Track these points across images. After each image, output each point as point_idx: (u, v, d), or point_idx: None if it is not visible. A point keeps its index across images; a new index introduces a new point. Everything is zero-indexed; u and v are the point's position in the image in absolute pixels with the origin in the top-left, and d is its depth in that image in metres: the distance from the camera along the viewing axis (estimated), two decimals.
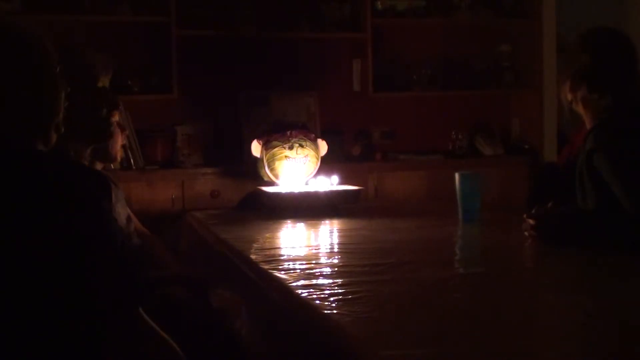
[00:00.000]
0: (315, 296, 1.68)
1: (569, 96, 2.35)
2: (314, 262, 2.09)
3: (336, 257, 2.24)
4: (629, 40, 2.35)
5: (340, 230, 2.74)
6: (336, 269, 2.00)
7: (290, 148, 3.27)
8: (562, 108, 2.45)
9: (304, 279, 1.85)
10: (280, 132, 3.31)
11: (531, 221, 2.22)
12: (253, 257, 2.19)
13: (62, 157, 1.49)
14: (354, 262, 2.07)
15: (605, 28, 2.36)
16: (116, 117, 2.75)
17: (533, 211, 2.24)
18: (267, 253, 2.25)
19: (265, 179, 3.32)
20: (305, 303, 1.66)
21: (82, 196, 1.43)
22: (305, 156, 3.28)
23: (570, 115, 2.39)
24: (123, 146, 3.06)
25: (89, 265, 1.41)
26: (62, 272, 1.39)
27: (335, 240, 2.62)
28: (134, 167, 4.07)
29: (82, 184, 1.45)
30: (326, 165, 3.41)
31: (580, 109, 2.35)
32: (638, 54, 2.33)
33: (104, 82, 2.35)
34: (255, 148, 3.33)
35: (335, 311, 1.56)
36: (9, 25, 1.54)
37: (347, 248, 2.34)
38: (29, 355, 1.40)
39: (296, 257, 2.20)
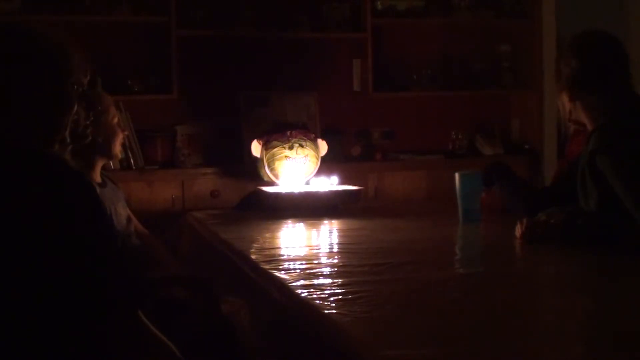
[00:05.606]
0: (315, 296, 1.68)
1: (568, 105, 2.34)
2: (314, 262, 2.09)
3: (336, 257, 2.23)
4: (616, 39, 2.35)
5: (340, 230, 2.74)
6: (336, 269, 2.00)
7: (290, 148, 3.27)
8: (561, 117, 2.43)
9: (304, 279, 1.85)
10: (280, 132, 3.31)
11: (520, 228, 2.24)
12: (253, 257, 2.19)
13: (59, 159, 1.48)
14: (354, 262, 2.07)
15: (591, 31, 2.36)
16: (115, 118, 2.76)
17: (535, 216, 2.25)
18: (267, 253, 2.25)
19: (265, 179, 3.32)
20: (305, 303, 1.66)
21: (79, 198, 1.43)
22: (305, 156, 3.28)
23: (566, 126, 2.38)
24: (123, 146, 3.07)
25: (88, 266, 1.41)
26: (61, 273, 1.39)
27: (335, 240, 2.62)
28: (133, 167, 4.06)
29: (79, 186, 1.45)
30: (326, 165, 3.41)
31: (580, 114, 2.34)
32: (627, 51, 2.33)
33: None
34: (255, 148, 3.33)
35: (335, 311, 1.56)
36: (44, 34, 1.55)
37: (347, 248, 2.34)
38: (29, 356, 1.40)
39: (296, 257, 2.20)
